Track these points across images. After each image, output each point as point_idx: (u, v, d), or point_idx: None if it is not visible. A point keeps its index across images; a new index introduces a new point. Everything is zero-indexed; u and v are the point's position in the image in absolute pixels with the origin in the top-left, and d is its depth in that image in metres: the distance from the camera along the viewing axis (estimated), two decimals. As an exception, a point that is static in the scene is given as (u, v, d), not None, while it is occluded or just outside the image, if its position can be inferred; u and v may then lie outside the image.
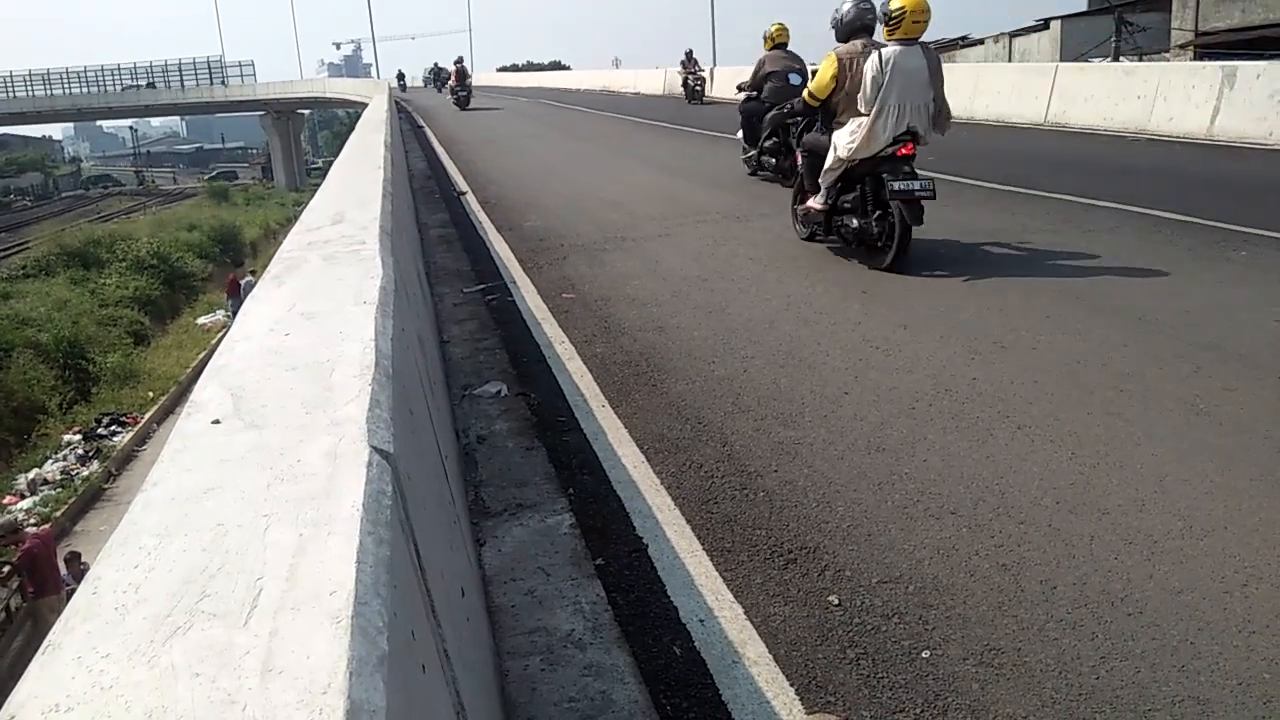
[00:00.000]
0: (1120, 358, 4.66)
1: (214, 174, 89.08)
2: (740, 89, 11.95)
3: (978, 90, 17.62)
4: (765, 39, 11.49)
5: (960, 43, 38.43)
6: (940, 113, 6.60)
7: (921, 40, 6.51)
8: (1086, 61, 20.65)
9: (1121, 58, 23.38)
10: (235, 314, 27.43)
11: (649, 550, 3.21)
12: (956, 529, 3.17)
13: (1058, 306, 5.58)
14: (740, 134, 12.01)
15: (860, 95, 6.48)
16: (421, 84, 50.23)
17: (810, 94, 6.93)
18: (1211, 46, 22.67)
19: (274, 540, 1.08)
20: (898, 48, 6.38)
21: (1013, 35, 33.47)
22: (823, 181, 7.05)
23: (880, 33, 6.62)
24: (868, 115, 6.43)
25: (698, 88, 25.77)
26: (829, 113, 6.92)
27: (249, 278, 26.53)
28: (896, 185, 6.39)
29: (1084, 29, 29.02)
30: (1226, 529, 3.08)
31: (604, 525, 3.42)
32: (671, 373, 5.00)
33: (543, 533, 3.38)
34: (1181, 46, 24.30)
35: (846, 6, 6.71)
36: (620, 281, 7.05)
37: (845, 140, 6.63)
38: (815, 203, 7.22)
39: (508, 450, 4.19)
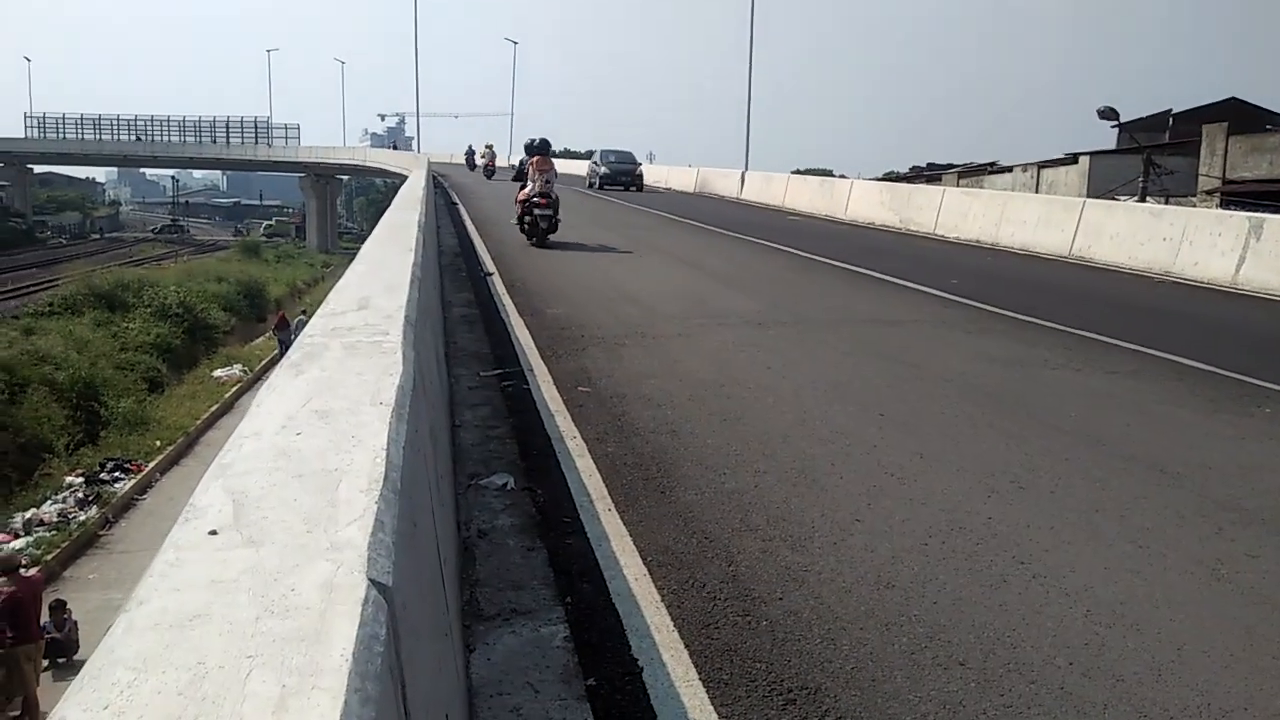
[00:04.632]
0: (1139, 511, 4.55)
1: (159, 227, 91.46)
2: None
3: (1004, 218, 17.85)
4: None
5: (988, 169, 39.14)
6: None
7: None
8: (1113, 199, 20.92)
9: (1148, 198, 23.70)
10: (283, 346, 28.23)
11: (643, 675, 3.09)
12: (965, 682, 3.05)
13: (1077, 449, 5.50)
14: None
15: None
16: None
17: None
18: (1238, 195, 22.97)
19: (255, 689, 1.02)
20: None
21: (1041, 166, 34.08)
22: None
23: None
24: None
25: None
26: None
27: (300, 316, 27.33)
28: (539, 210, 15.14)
29: (1112, 166, 29.51)
30: (1247, 710, 2.94)
31: (599, 641, 3.31)
32: (681, 481, 4.92)
33: (535, 643, 3.27)
34: (1208, 193, 24.64)
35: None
36: (637, 379, 7.02)
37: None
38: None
39: (508, 549, 4.10)
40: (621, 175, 33.52)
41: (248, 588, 1.25)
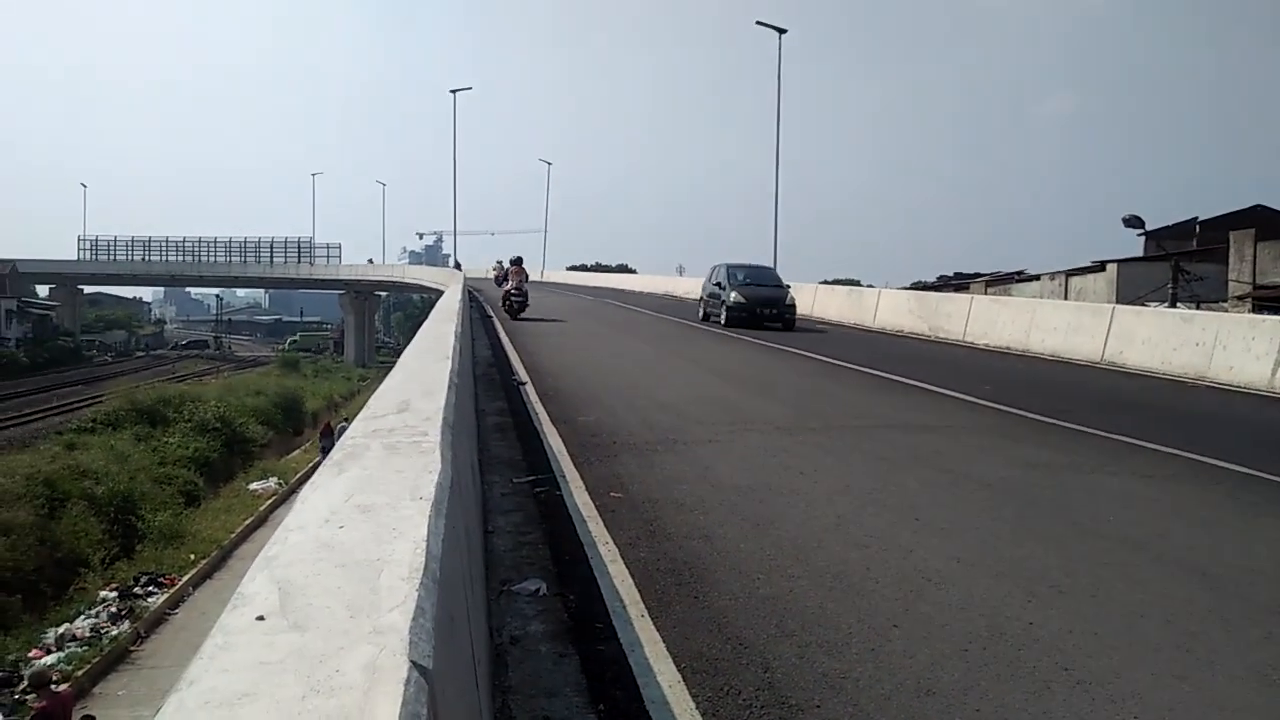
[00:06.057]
0: (1184, 615, 4.44)
1: (178, 344, 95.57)
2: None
3: (1034, 324, 17.89)
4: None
5: (1016, 277, 39.35)
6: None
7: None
8: (1143, 305, 20.93)
9: (1179, 304, 23.67)
10: (325, 453, 29.12)
11: (678, 784, 3.03)
12: (1010, 792, 2.95)
13: (1117, 553, 5.40)
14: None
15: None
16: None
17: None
18: (1270, 300, 22.89)
19: (303, 761, 1.05)
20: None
21: (1069, 274, 34.22)
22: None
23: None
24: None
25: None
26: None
27: (343, 424, 28.22)
28: (514, 297, 24.13)
29: (1140, 273, 29.59)
30: (1309, 823, 2.82)
31: (633, 749, 3.25)
32: (715, 586, 4.88)
33: (568, 751, 3.22)
34: (1239, 298, 24.57)
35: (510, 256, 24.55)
36: (669, 485, 7.02)
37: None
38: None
39: (540, 655, 4.07)
40: (764, 306, 22.07)
41: (294, 669, 1.30)
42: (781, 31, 36.88)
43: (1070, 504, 6.58)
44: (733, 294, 22.54)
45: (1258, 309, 22.42)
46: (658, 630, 4.31)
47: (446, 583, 1.89)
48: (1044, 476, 7.39)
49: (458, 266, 55.91)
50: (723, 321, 22.59)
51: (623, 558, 5.34)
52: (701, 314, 24.89)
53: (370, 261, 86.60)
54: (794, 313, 22.54)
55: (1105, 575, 5.00)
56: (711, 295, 24.32)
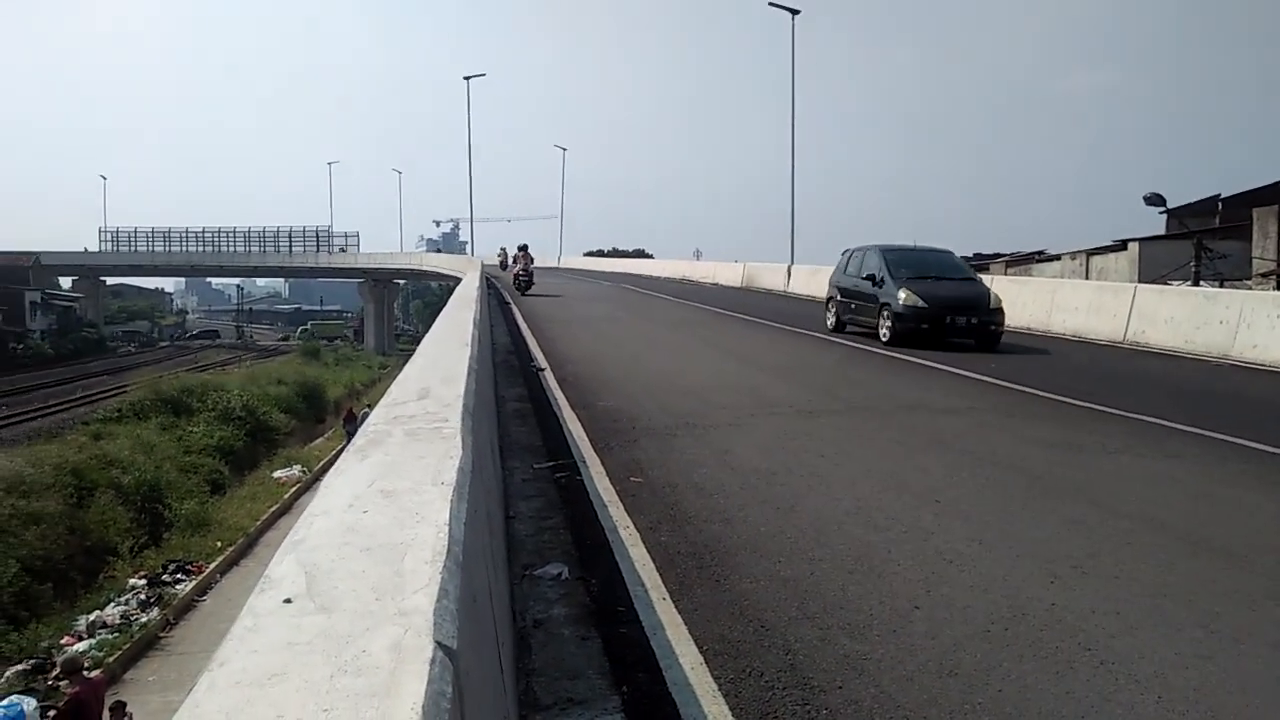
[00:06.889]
0: (1208, 595, 4.42)
1: (189, 334, 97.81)
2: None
3: (1054, 305, 17.75)
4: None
5: (1036, 257, 38.93)
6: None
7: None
8: (1166, 284, 20.69)
9: (1202, 282, 23.39)
10: (350, 438, 29.21)
11: (701, 763, 3.05)
12: (1033, 771, 2.95)
13: (1140, 533, 5.37)
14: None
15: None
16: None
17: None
18: (1295, 277, 22.58)
19: (332, 738, 1.08)
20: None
21: (1090, 253, 33.79)
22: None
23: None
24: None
25: None
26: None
27: (365, 409, 28.94)
28: (522, 277, 30.24)
29: (1163, 252, 29.17)
30: (1336, 801, 2.81)
31: (656, 731, 3.28)
32: (736, 569, 4.89)
33: (592, 732, 3.25)
34: (1264, 275, 24.25)
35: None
36: (689, 469, 7.04)
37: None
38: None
39: (563, 638, 4.10)
40: (956, 310, 14.80)
41: (321, 649, 1.32)
42: (794, 13, 36.55)
43: (1093, 484, 6.54)
44: (902, 292, 14.90)
45: (1283, 286, 22.13)
46: (679, 613, 4.34)
47: (469, 565, 1.91)
48: (1067, 457, 7.35)
49: (436, 250, 56.86)
50: (886, 337, 15.04)
51: (644, 541, 5.37)
52: (833, 321, 17.38)
53: (343, 250, 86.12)
54: (1002, 321, 14.97)
55: (1128, 555, 4.97)
56: (852, 293, 16.65)
